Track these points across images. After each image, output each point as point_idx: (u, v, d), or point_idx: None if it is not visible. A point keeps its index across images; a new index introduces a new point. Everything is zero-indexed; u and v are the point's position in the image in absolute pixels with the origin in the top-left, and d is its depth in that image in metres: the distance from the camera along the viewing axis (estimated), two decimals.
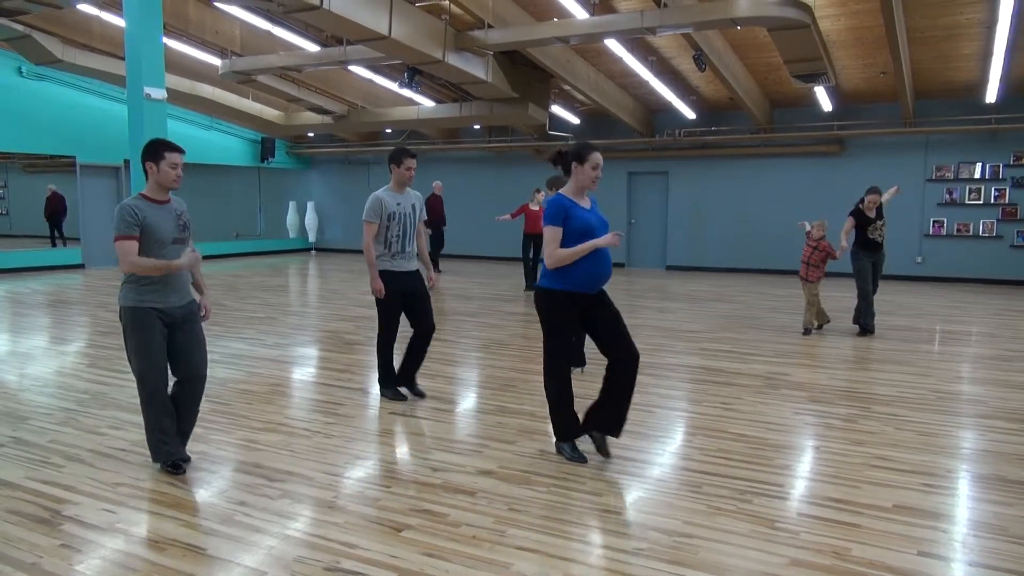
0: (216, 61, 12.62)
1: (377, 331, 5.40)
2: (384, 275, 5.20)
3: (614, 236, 3.92)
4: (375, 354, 5.43)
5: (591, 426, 4.12)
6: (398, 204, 5.21)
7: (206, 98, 14.58)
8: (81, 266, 14.82)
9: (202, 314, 3.97)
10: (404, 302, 5.28)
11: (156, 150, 3.69)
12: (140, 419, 4.84)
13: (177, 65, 12.99)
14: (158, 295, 3.70)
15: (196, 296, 3.99)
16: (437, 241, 14.51)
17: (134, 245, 3.61)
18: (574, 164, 4.01)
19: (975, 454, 4.37)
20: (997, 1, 8.62)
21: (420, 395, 5.44)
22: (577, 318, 4.04)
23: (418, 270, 5.39)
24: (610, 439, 4.14)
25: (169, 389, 3.85)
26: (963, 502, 3.70)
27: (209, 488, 3.67)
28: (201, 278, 4.06)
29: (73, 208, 15.43)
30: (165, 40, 10.75)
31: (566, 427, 4.17)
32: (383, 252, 5.21)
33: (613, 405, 4.02)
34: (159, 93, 7.45)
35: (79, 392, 5.55)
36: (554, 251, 3.94)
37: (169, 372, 3.83)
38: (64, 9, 10.24)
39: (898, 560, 2.99)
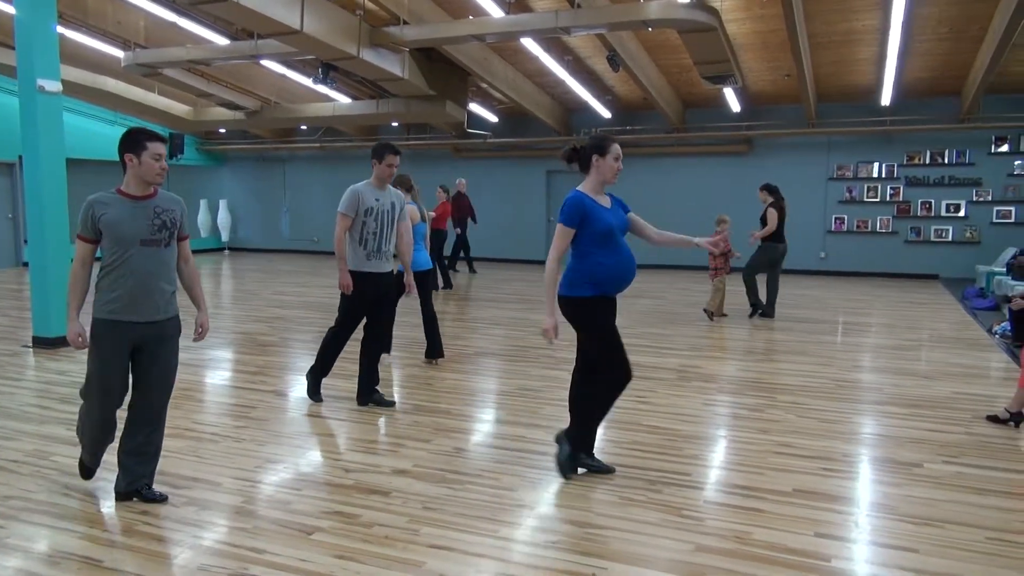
0: (119, 53, 12.07)
1: (334, 324, 5.23)
2: (354, 276, 5.01)
3: (549, 333, 3.76)
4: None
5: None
6: (377, 200, 5.01)
7: (109, 91, 13.90)
8: None
9: (199, 331, 3.62)
10: (371, 304, 5.13)
11: (137, 140, 3.30)
12: (32, 428, 4.63)
13: (78, 57, 12.35)
14: (121, 306, 3.28)
15: (197, 312, 3.62)
16: (463, 243, 13.62)
17: (84, 248, 3.32)
18: (594, 157, 3.79)
19: (870, 438, 4.61)
20: (889, 8, 9.10)
21: (390, 404, 5.20)
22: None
23: (391, 272, 5.21)
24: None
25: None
26: (858, 484, 3.90)
27: (109, 498, 3.51)
28: (200, 292, 3.66)
29: None
30: (63, 30, 10.22)
31: (589, 440, 3.96)
32: (357, 250, 4.99)
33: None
34: (54, 85, 7.03)
35: None
36: (556, 259, 3.77)
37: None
38: None
39: (796, 542, 3.13)
